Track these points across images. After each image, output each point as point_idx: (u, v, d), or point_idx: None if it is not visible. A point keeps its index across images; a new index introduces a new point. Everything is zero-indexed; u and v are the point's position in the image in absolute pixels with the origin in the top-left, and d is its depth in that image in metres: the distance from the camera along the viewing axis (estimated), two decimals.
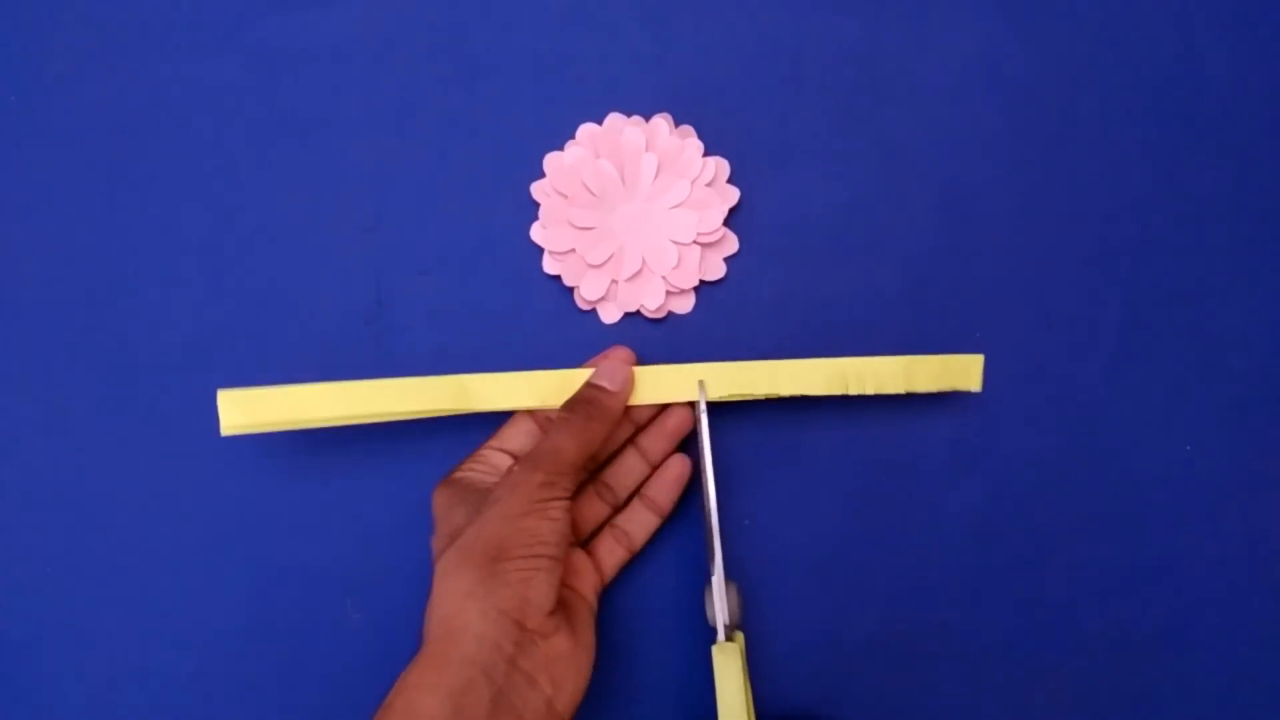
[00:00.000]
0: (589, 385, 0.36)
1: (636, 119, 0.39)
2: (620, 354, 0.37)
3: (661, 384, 0.37)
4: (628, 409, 0.37)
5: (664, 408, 0.38)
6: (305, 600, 0.40)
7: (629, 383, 0.36)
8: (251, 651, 0.40)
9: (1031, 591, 0.40)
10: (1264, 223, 0.40)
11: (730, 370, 0.36)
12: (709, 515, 0.35)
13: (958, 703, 0.40)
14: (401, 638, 0.40)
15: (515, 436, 0.37)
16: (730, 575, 0.39)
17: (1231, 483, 0.40)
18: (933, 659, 0.40)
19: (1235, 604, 0.40)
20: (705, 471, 0.36)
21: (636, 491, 0.38)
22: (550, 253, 0.39)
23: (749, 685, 0.34)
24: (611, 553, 0.38)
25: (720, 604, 0.35)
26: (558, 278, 0.40)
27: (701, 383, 0.36)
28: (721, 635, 0.35)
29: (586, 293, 0.39)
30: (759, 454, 0.40)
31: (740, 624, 0.36)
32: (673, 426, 0.38)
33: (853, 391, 0.36)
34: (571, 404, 0.35)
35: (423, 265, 0.40)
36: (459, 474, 0.36)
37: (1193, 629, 0.40)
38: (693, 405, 0.37)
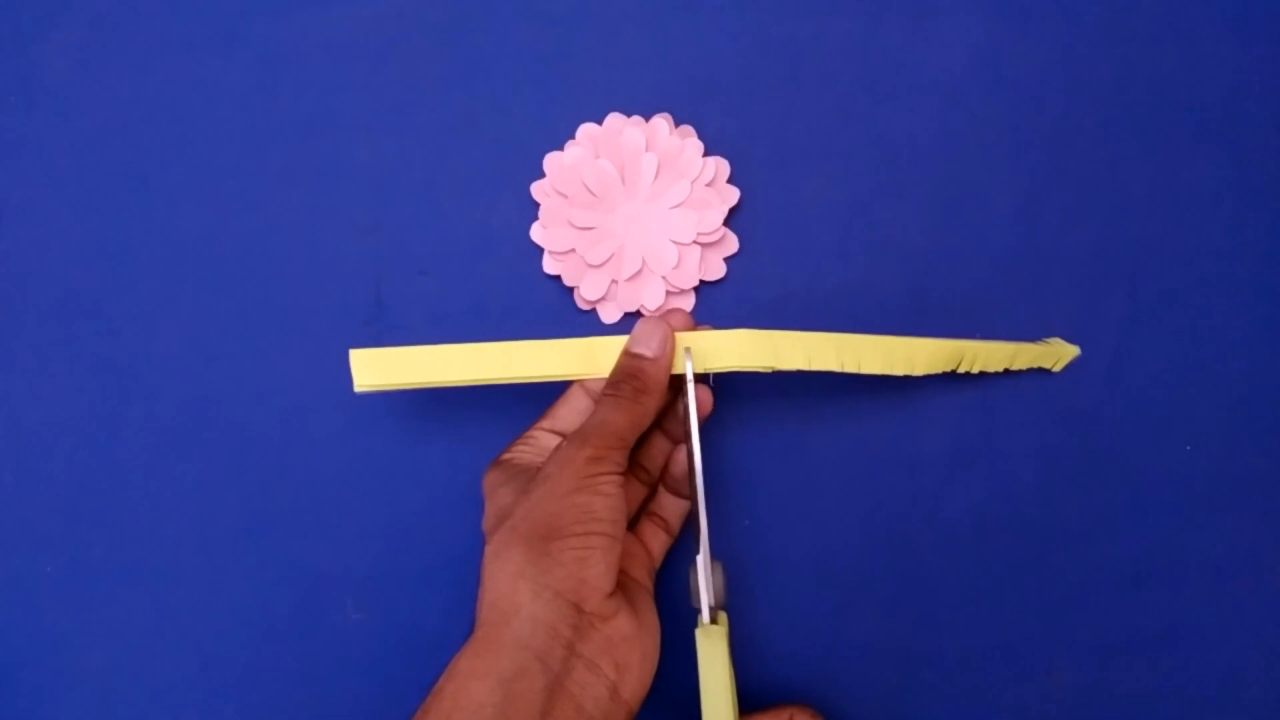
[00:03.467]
0: (629, 355, 0.34)
1: (636, 119, 0.39)
2: (669, 315, 0.35)
3: (728, 351, 0.35)
4: None
5: (680, 388, 0.36)
6: (305, 600, 0.40)
7: (668, 344, 0.34)
8: (251, 651, 0.40)
9: (1031, 591, 0.40)
10: (1264, 223, 0.40)
11: (846, 343, 0.35)
12: (696, 493, 0.34)
13: (957, 702, 0.40)
14: (401, 638, 0.40)
15: (567, 415, 0.36)
16: (726, 570, 0.38)
17: (1231, 483, 0.40)
18: (932, 659, 0.40)
19: (1235, 604, 0.40)
20: (692, 449, 0.34)
21: (664, 472, 0.37)
22: (550, 253, 0.39)
23: (733, 668, 0.33)
24: (655, 536, 0.36)
25: (705, 584, 0.33)
26: (558, 278, 0.40)
27: (688, 350, 0.34)
28: (706, 617, 0.33)
29: (586, 293, 0.39)
30: (759, 454, 0.40)
31: (725, 605, 0.34)
32: (685, 408, 0.36)
33: (961, 370, 0.37)
34: (616, 379, 0.34)
35: (423, 265, 0.40)
36: (507, 455, 0.35)
37: (1193, 629, 0.40)
38: (692, 377, 0.35)
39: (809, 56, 0.40)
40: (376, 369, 0.35)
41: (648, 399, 0.33)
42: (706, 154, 0.39)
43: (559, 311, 0.40)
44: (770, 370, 0.34)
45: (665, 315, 0.35)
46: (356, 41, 0.41)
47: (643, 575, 0.35)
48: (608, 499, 0.31)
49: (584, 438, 0.32)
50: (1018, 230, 0.40)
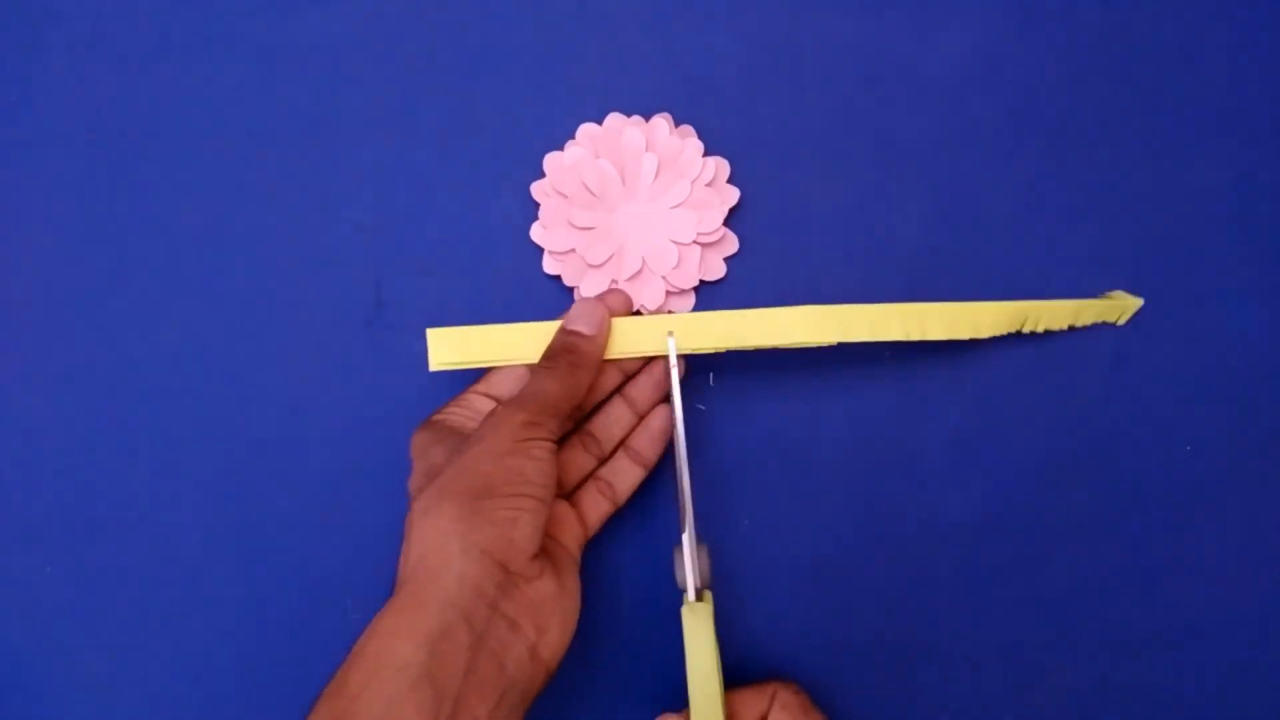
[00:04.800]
0: (565, 332, 0.35)
1: (636, 119, 0.39)
2: (607, 296, 0.36)
3: (793, 327, 0.35)
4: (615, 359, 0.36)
5: (652, 358, 0.37)
6: (305, 600, 0.40)
7: (604, 323, 0.35)
8: (251, 651, 0.40)
9: (1031, 591, 0.40)
10: (1264, 222, 0.40)
11: (912, 312, 0.35)
12: (680, 473, 0.35)
13: (957, 703, 0.40)
14: None
15: (503, 382, 0.36)
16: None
17: (1231, 483, 0.40)
18: (931, 658, 0.40)
19: (1235, 604, 0.40)
20: (677, 428, 0.35)
21: (622, 443, 0.38)
22: (550, 253, 0.39)
23: (718, 646, 0.34)
24: (595, 505, 0.36)
25: (691, 564, 0.34)
26: (558, 278, 0.40)
27: (671, 334, 0.35)
28: (691, 595, 0.34)
29: (586, 293, 0.39)
30: (758, 454, 0.40)
31: (709, 585, 0.35)
32: (661, 377, 0.37)
33: (1026, 330, 0.38)
34: (551, 354, 0.35)
35: (423, 265, 0.40)
36: (439, 416, 0.36)
37: (1193, 629, 0.40)
38: (681, 357, 0.36)
39: (809, 56, 0.40)
40: (452, 347, 0.36)
41: (582, 373, 0.34)
42: (706, 154, 0.39)
43: (559, 311, 0.40)
44: (832, 344, 0.35)
45: (603, 296, 0.36)
46: (356, 41, 0.41)
47: (571, 543, 0.35)
48: (538, 463, 0.32)
49: (519, 403, 0.33)
50: (1017, 231, 0.40)
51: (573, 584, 0.33)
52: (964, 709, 0.40)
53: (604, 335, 0.35)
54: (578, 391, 0.34)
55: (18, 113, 0.41)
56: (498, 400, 0.36)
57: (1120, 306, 0.39)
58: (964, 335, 0.36)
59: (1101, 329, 0.40)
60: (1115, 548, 0.40)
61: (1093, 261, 0.40)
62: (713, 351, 0.36)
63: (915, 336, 0.36)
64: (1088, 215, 0.40)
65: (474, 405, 0.36)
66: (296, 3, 0.41)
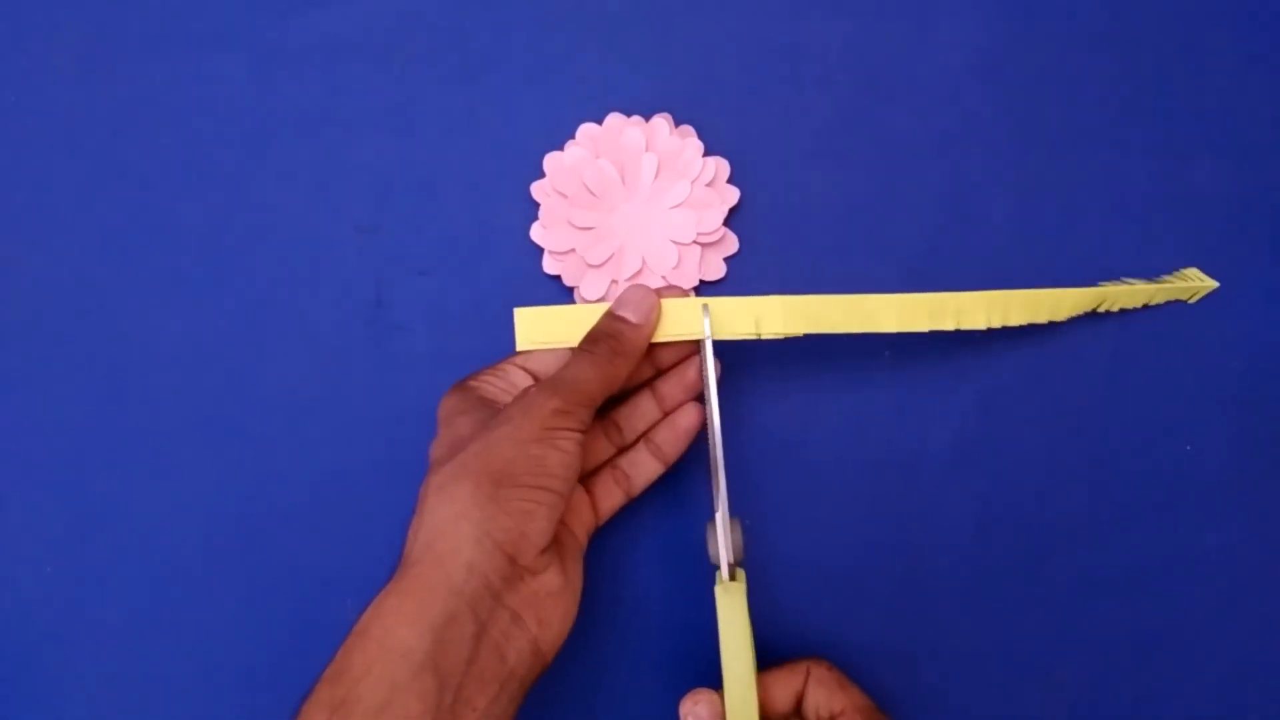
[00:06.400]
0: (612, 317, 0.34)
1: (636, 119, 0.39)
2: (665, 291, 0.35)
3: (884, 314, 0.36)
4: (650, 351, 0.35)
5: (687, 356, 0.36)
6: (305, 599, 0.40)
7: (654, 313, 0.34)
8: (251, 650, 0.40)
9: (1031, 591, 0.40)
10: (1264, 222, 0.40)
11: (996, 299, 0.36)
12: (713, 450, 0.34)
13: (957, 702, 0.40)
14: None
15: (543, 356, 0.35)
16: (744, 526, 0.38)
17: (1231, 483, 0.40)
18: (932, 659, 0.40)
19: (1235, 604, 0.40)
20: (710, 404, 0.34)
21: (644, 435, 0.37)
22: (550, 253, 0.39)
23: (751, 624, 0.33)
24: (609, 494, 0.36)
25: (724, 541, 0.34)
26: (558, 278, 0.40)
27: (706, 306, 0.35)
28: (725, 574, 0.34)
29: (586, 293, 0.39)
30: (759, 454, 0.40)
31: (742, 561, 0.34)
32: (693, 378, 0.36)
33: (1102, 309, 0.39)
34: (594, 337, 0.34)
35: (423, 265, 0.40)
36: (474, 382, 0.35)
37: (1193, 629, 0.40)
38: (702, 339, 0.35)
39: (809, 56, 0.40)
40: (539, 326, 0.35)
41: (622, 361, 0.33)
42: (706, 154, 0.39)
43: None
44: (926, 331, 0.36)
45: (661, 290, 0.35)
46: (356, 41, 0.41)
47: (580, 532, 0.34)
48: (564, 455, 0.31)
49: (554, 388, 0.32)
50: (1016, 231, 0.40)
51: (576, 575, 0.33)
52: (967, 711, 0.40)
53: (651, 326, 0.34)
54: (615, 381, 0.33)
55: (17, 113, 0.41)
56: (534, 375, 0.35)
57: (1192, 287, 0.39)
58: (1043, 319, 0.37)
59: (1095, 329, 0.40)
60: (1115, 548, 0.40)
61: (1092, 259, 0.40)
62: (777, 337, 0.36)
63: (998, 323, 0.36)
64: (1086, 214, 0.40)
65: (510, 377, 0.35)
66: (296, 3, 0.41)
